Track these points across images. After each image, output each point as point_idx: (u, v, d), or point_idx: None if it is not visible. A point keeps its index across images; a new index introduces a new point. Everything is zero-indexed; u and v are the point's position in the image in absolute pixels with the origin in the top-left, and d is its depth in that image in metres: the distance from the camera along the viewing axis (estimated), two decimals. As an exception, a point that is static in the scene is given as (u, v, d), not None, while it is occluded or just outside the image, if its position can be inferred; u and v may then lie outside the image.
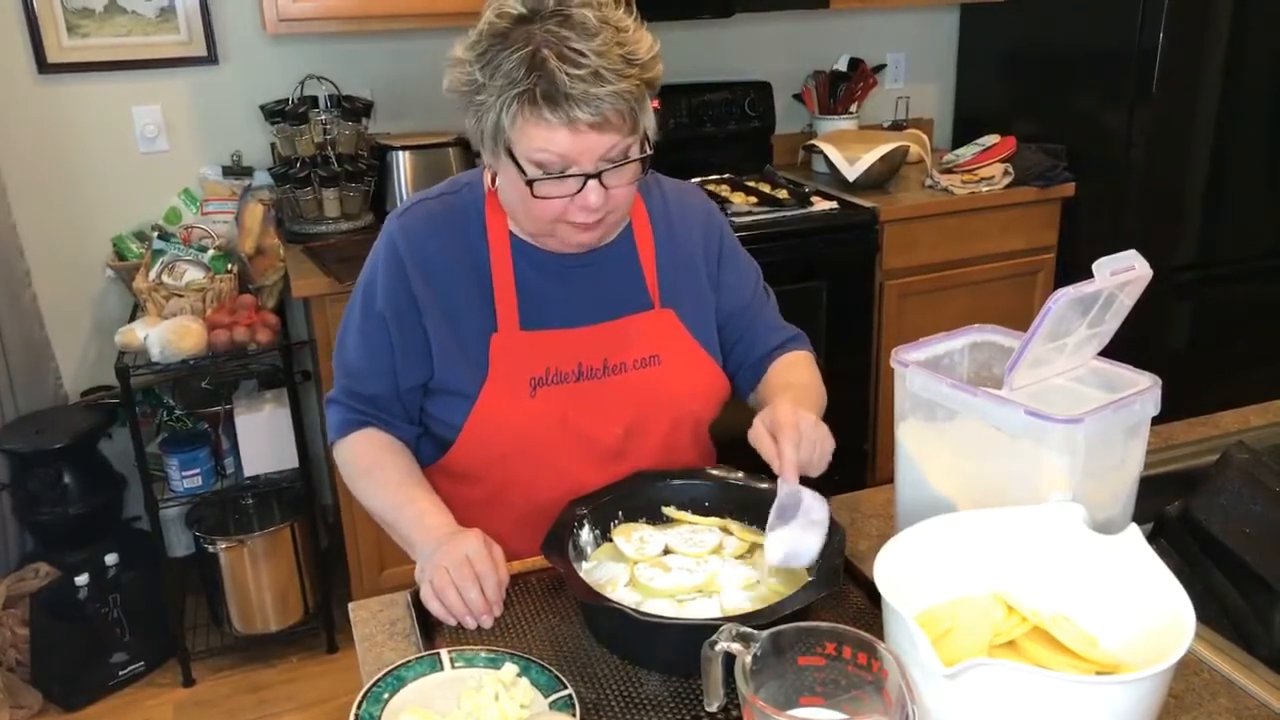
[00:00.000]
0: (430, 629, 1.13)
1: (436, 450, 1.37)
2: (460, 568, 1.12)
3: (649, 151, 1.21)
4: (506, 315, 1.30)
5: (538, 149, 1.15)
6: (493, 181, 1.31)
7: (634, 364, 1.33)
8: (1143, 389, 1.07)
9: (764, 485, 1.24)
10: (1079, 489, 1.02)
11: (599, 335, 1.32)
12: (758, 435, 1.18)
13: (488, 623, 1.12)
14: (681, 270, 1.39)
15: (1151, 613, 0.91)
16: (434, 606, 1.13)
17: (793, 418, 1.17)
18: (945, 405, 1.11)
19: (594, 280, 1.34)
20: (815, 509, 1.13)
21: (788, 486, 1.14)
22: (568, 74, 1.10)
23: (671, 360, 1.35)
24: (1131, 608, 0.94)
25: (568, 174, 1.16)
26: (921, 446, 1.16)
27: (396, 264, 1.30)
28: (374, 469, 1.31)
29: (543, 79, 1.11)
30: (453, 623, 1.12)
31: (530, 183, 1.17)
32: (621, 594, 1.10)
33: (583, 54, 1.11)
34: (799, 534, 1.12)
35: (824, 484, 1.15)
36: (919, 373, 1.13)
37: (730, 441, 1.54)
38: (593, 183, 1.17)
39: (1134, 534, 0.97)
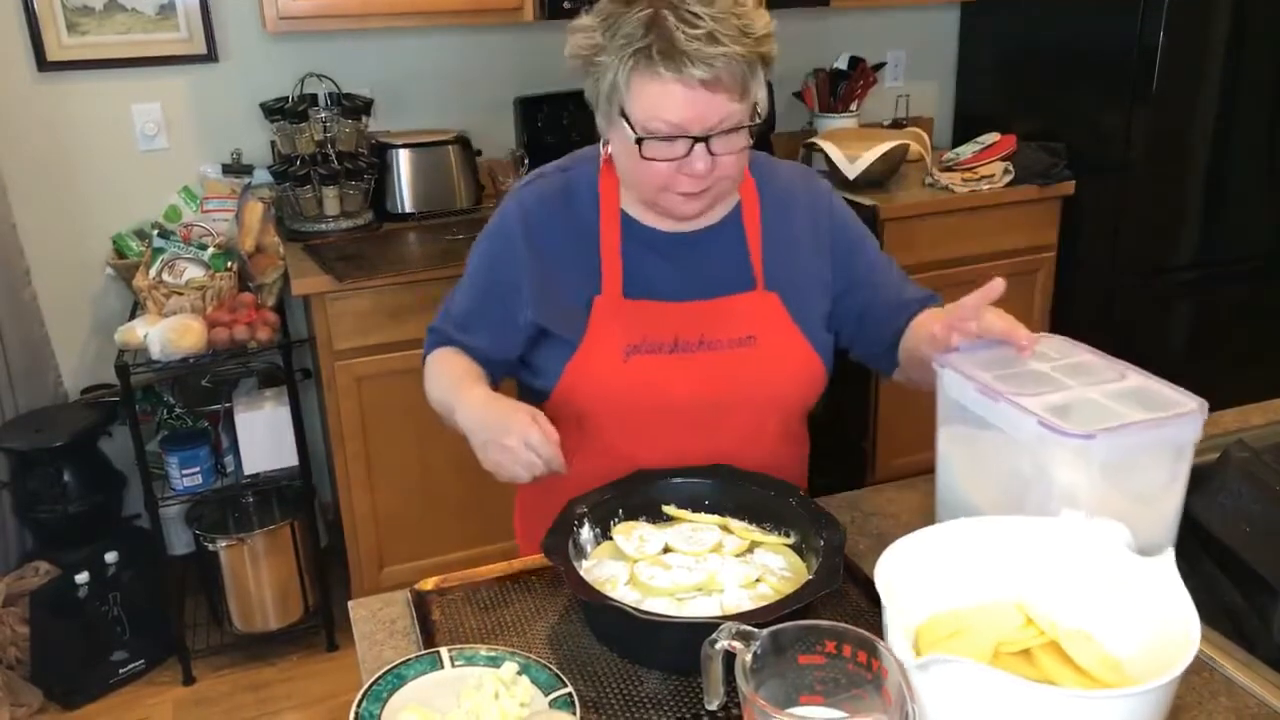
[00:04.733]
0: (430, 627, 1.13)
1: (533, 402, 1.38)
2: (514, 450, 1.19)
3: (758, 121, 1.25)
4: (611, 282, 1.33)
5: (651, 114, 1.19)
6: (607, 152, 1.34)
7: (729, 342, 1.34)
8: (1183, 412, 1.01)
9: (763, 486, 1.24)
10: (1104, 508, 0.98)
11: (698, 311, 1.34)
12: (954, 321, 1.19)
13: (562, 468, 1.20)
14: (789, 253, 1.39)
15: (1158, 633, 0.88)
16: (502, 476, 1.22)
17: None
18: (974, 410, 1.09)
19: (700, 258, 1.36)
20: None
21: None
22: (684, 33, 1.16)
23: (768, 342, 1.36)
24: (1142, 629, 0.90)
25: (677, 137, 1.20)
26: (955, 450, 1.16)
27: (508, 235, 1.37)
28: (445, 370, 1.39)
29: (660, 37, 1.17)
30: (527, 478, 1.20)
31: (640, 141, 1.20)
32: (621, 592, 1.10)
33: (699, 17, 1.17)
34: None
35: (823, 484, 1.14)
36: (953, 375, 1.12)
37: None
38: (700, 148, 1.21)
39: (1167, 559, 0.92)
